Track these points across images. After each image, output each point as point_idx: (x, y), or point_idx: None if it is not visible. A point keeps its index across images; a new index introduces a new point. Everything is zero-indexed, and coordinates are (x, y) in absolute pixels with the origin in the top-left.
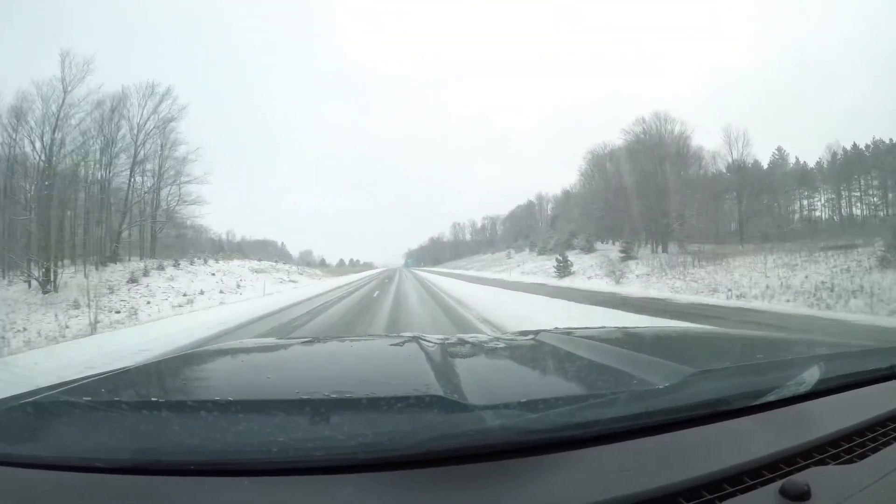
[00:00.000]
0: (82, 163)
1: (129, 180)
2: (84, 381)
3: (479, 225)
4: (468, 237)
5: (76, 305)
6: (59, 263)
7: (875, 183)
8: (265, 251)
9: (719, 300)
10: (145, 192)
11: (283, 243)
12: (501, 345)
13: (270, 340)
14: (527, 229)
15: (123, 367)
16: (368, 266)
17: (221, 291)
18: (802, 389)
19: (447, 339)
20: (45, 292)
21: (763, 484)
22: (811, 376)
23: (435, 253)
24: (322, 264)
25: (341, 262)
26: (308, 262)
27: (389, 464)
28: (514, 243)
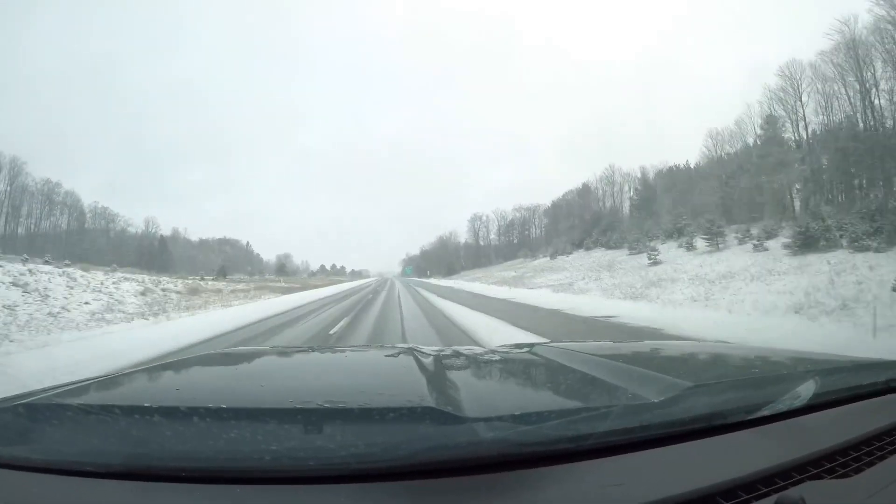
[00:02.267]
0: None
1: None
2: (77, 385)
3: (508, 218)
4: (493, 236)
5: None
6: None
7: None
8: (221, 252)
9: None
10: None
11: (248, 243)
12: (496, 357)
13: (265, 348)
14: (587, 222)
15: (118, 372)
16: (358, 275)
17: None
18: (798, 404)
19: (442, 351)
20: None
21: (758, 498)
22: (806, 390)
23: (446, 258)
24: (296, 272)
25: (322, 269)
26: (283, 267)
27: (382, 475)
28: (563, 241)
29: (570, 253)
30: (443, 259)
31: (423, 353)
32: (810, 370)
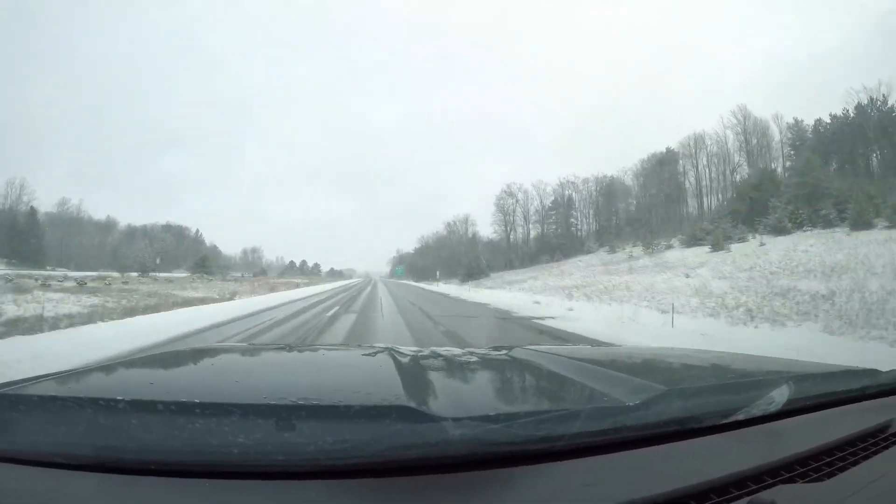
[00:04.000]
0: None
1: None
2: (49, 377)
3: (549, 198)
4: (531, 228)
5: None
6: None
7: None
8: (160, 242)
9: None
10: None
11: (198, 231)
12: (474, 359)
13: (243, 345)
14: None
15: (91, 364)
16: (339, 275)
17: None
18: (772, 409)
19: (420, 351)
20: None
21: (730, 501)
22: (781, 396)
23: (458, 254)
24: (262, 271)
25: (292, 266)
26: (251, 263)
27: (351, 472)
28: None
29: (746, 239)
30: (454, 255)
31: (401, 353)
32: (785, 376)
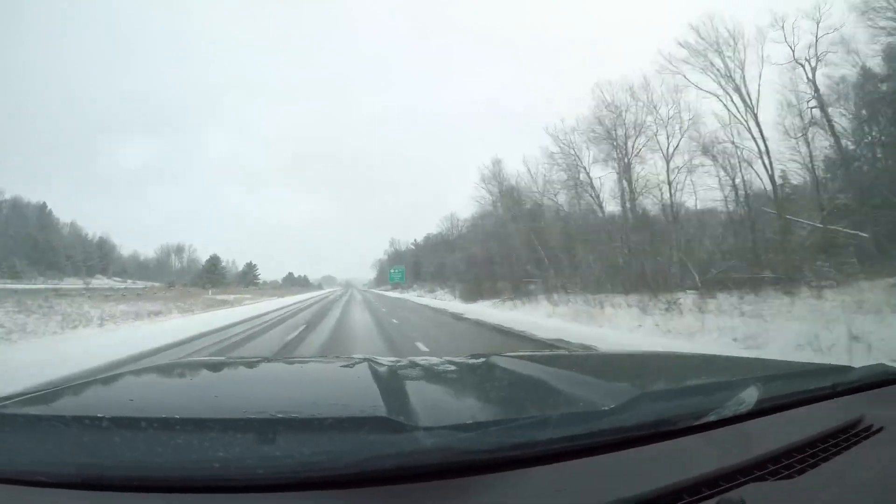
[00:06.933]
0: None
1: None
2: (29, 395)
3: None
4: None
5: None
6: None
7: None
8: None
9: None
10: None
11: (72, 221)
12: (451, 368)
13: (222, 359)
14: None
15: (72, 382)
16: (308, 284)
17: None
18: (743, 409)
19: (398, 361)
20: None
21: (700, 501)
22: (750, 396)
23: (489, 252)
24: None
25: (248, 269)
26: (188, 268)
27: (330, 482)
28: None
29: None
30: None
31: (379, 363)
32: (756, 376)
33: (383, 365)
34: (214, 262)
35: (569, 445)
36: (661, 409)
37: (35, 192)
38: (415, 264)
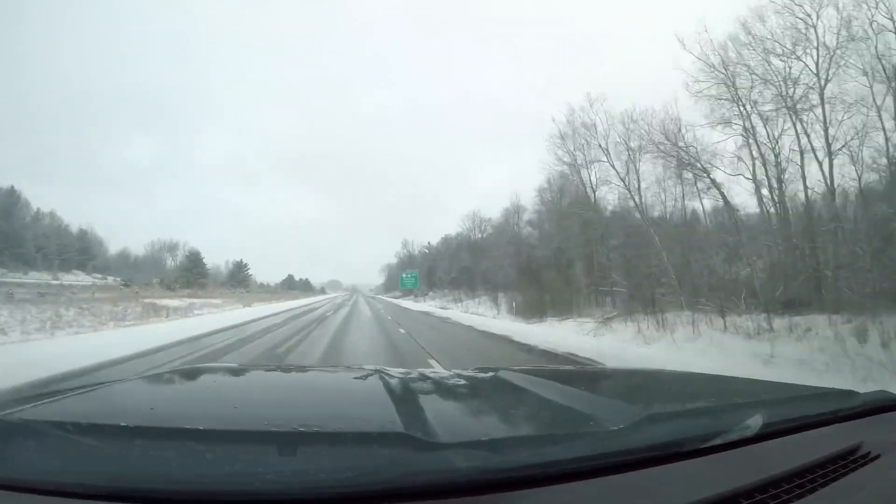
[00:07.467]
0: None
1: None
2: (47, 401)
3: None
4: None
5: None
6: None
7: None
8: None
9: None
10: None
11: (51, 211)
12: (462, 381)
13: (235, 366)
14: None
15: (92, 385)
16: (311, 289)
17: None
18: (748, 433)
19: (409, 373)
20: None
21: None
22: (755, 421)
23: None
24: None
25: (237, 268)
26: (187, 267)
27: (357, 499)
28: None
29: None
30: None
31: (390, 375)
32: (761, 400)
33: (394, 377)
34: (194, 258)
35: (587, 465)
36: (670, 431)
37: (6, 178)
38: (429, 269)
